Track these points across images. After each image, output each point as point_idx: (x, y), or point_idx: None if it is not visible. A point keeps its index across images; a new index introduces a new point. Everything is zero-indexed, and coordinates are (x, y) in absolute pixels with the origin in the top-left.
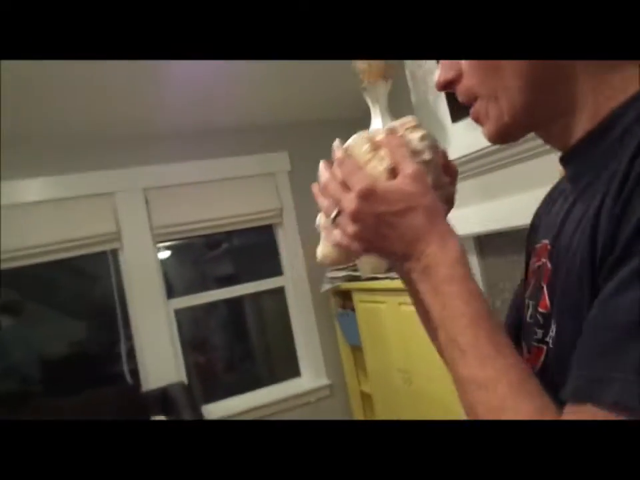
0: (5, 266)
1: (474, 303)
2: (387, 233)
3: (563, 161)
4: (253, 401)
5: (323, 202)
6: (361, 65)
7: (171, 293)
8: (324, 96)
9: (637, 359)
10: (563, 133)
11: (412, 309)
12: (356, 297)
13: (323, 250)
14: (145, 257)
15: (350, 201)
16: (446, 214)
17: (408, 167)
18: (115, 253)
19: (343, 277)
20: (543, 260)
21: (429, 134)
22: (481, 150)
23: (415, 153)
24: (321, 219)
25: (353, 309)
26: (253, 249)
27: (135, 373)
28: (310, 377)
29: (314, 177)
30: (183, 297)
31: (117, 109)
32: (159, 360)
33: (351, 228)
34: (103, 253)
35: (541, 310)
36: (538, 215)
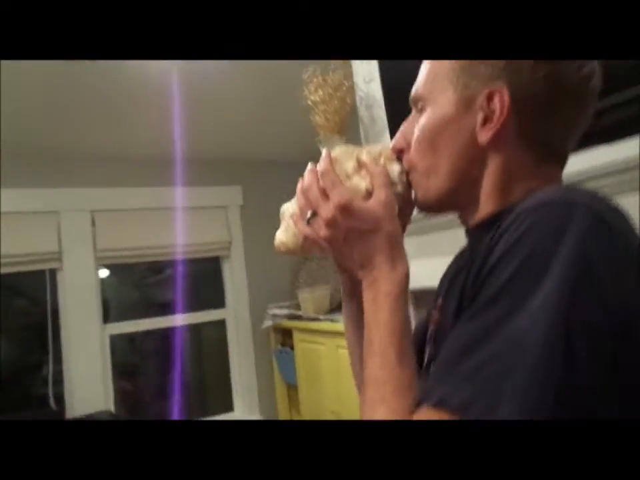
0: None
1: (398, 319)
2: (352, 244)
3: (466, 232)
4: None
5: (301, 200)
6: (318, 119)
7: (107, 315)
8: (280, 138)
9: (465, 372)
10: (472, 216)
11: None
12: (296, 336)
13: (282, 237)
14: (84, 279)
15: (327, 210)
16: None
17: (382, 194)
18: (53, 272)
19: (285, 314)
20: (437, 313)
21: (405, 170)
22: (420, 212)
23: (391, 183)
24: (288, 208)
25: (292, 347)
26: (198, 278)
27: (59, 397)
28: (242, 412)
29: (265, 212)
30: (119, 323)
31: (73, 128)
32: (88, 386)
33: (323, 232)
34: (41, 271)
35: (432, 353)
36: (444, 277)
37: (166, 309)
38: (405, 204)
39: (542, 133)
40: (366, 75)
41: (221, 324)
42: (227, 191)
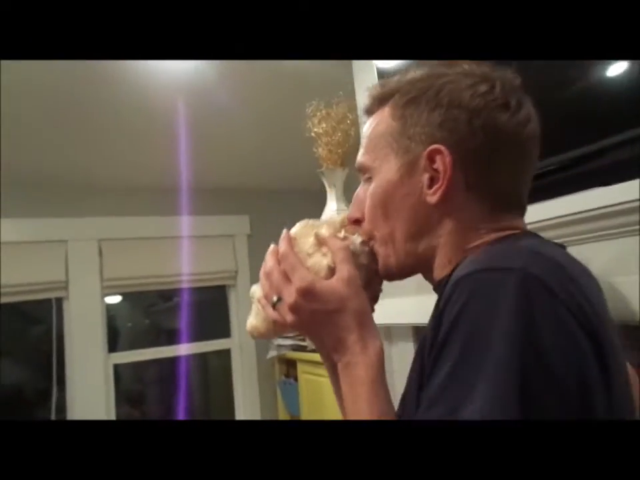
0: None
1: (376, 405)
2: (319, 327)
3: (434, 289)
4: None
5: (265, 285)
6: (321, 151)
7: (116, 341)
8: (287, 167)
9: None
10: (436, 275)
11: None
12: (300, 367)
13: (253, 322)
14: (90, 308)
15: (290, 295)
16: (372, 309)
17: (344, 270)
18: (59, 301)
19: (290, 345)
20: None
21: (367, 241)
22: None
23: (354, 255)
24: (256, 291)
25: (296, 379)
26: (204, 306)
27: None
28: None
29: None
30: (124, 352)
31: (81, 158)
32: (90, 414)
33: (289, 317)
34: (47, 300)
35: (399, 415)
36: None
37: (173, 336)
38: (372, 274)
39: (490, 184)
40: None
41: (226, 353)
42: (234, 220)
